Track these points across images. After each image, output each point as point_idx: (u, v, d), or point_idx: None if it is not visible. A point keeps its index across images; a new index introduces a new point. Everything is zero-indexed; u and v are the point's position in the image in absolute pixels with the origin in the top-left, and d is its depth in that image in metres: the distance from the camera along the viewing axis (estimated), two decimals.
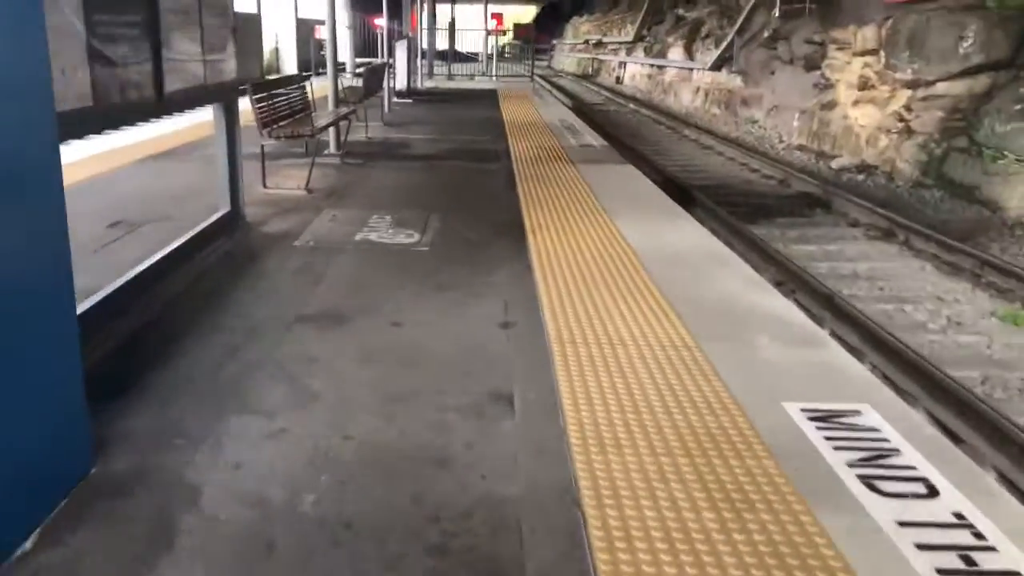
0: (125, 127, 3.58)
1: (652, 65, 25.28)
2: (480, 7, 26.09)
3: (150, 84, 3.78)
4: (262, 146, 6.50)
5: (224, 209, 5.15)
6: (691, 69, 21.38)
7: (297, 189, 6.56)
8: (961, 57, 9.50)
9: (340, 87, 8.91)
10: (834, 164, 11.48)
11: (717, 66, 18.92)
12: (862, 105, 11.73)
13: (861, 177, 10.70)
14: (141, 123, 3.76)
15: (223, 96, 4.93)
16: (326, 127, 7.04)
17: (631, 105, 21.07)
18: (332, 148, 8.52)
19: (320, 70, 20.67)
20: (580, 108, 18.97)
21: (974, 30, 9.34)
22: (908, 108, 10.35)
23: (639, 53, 27.49)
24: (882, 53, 11.28)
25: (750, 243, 7.05)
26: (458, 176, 7.62)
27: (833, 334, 4.85)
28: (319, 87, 12.53)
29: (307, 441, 2.50)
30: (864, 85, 11.79)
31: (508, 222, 5.73)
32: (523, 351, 3.31)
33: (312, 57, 23.72)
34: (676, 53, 22.88)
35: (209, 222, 4.92)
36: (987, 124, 8.82)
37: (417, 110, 14.04)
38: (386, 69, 12.97)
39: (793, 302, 4.18)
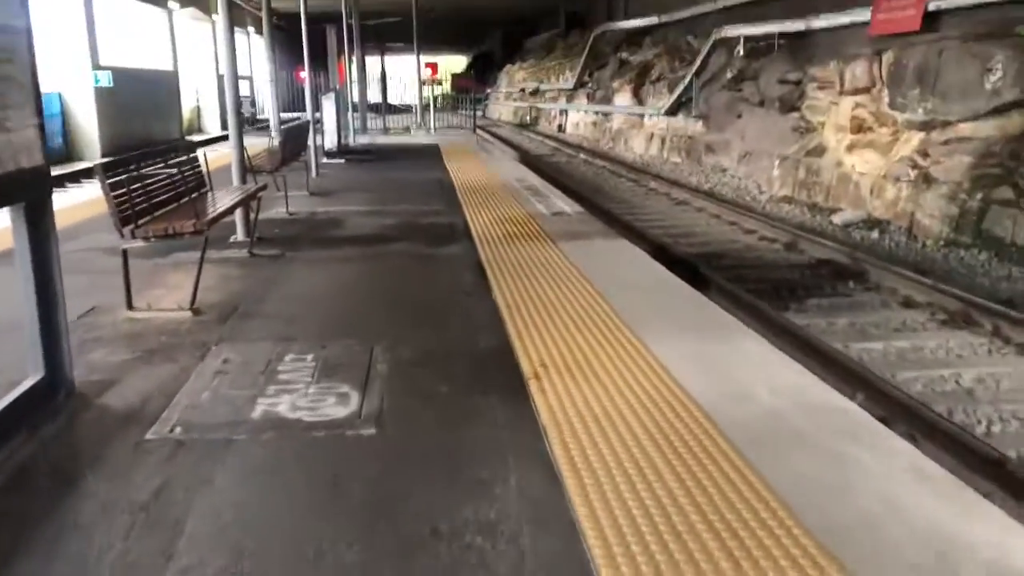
0: None
1: (597, 112, 23.98)
2: (411, 57, 24.50)
3: None
4: (124, 251, 4.49)
5: (34, 376, 3.13)
6: (642, 115, 20.06)
7: (178, 309, 4.55)
8: (989, 93, 8.11)
9: (247, 154, 6.95)
10: (837, 219, 9.97)
11: (673, 111, 17.58)
12: (859, 150, 10.31)
13: (875, 235, 9.18)
14: None
15: (17, 194, 2.96)
16: (222, 215, 5.07)
17: (581, 155, 19.58)
18: (240, 234, 6.54)
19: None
20: (530, 161, 17.34)
21: (1002, 61, 7.97)
22: (923, 153, 8.91)
23: (581, 100, 26.22)
24: (881, 91, 9.90)
25: (804, 345, 5.30)
26: (408, 270, 5.71)
27: None
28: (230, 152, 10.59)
29: None
30: (859, 127, 10.38)
31: (491, 353, 3.84)
32: None
33: (231, 114, 21.51)
34: (623, 99, 21.59)
35: (2, 403, 2.93)
36: None
37: (350, 172, 12.14)
38: (311, 127, 11.07)
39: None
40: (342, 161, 13.27)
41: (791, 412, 3.09)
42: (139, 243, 4.52)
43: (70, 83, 21.48)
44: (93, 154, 21.73)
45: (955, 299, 6.16)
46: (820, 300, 6.69)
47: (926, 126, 8.94)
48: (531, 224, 7.30)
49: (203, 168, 5.94)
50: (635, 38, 24.06)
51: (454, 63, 65.70)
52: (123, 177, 4.47)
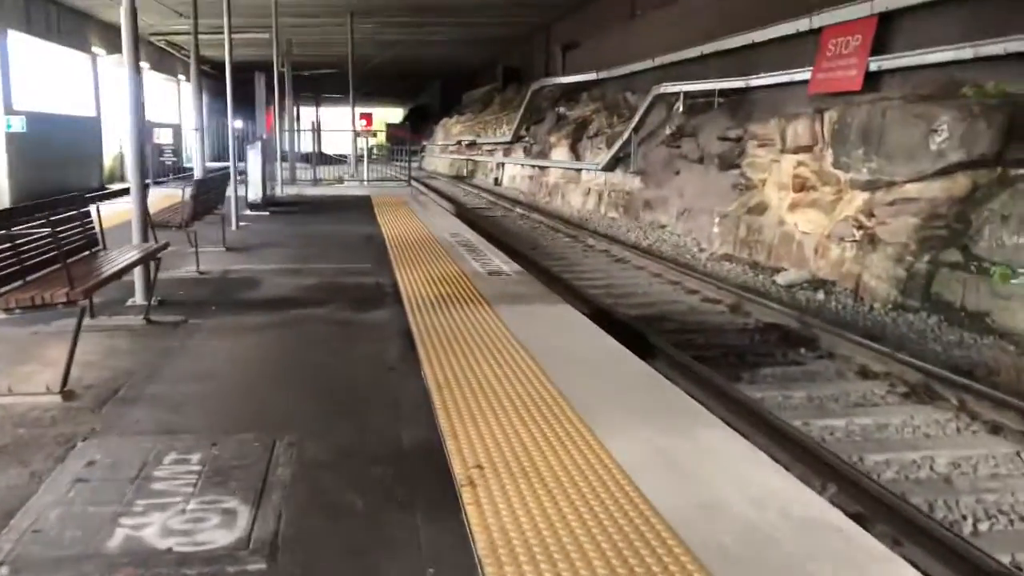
0: None
1: (534, 166, 23.82)
2: (347, 108, 24.02)
3: None
4: None
5: None
6: (579, 170, 19.92)
7: (46, 392, 3.82)
8: (935, 154, 8.00)
9: (148, 209, 6.26)
10: (780, 279, 9.72)
11: (611, 166, 17.44)
12: (802, 209, 10.15)
13: (821, 296, 8.93)
14: None
15: None
16: (104, 281, 4.37)
17: (517, 209, 19.26)
18: (139, 297, 5.81)
19: (159, 179, 17.71)
20: (465, 215, 16.90)
21: (947, 123, 7.88)
22: (868, 213, 8.75)
23: (518, 154, 26.09)
24: (824, 150, 9.79)
25: (763, 424, 4.84)
26: (327, 340, 5.07)
27: None
28: (155, 200, 9.93)
29: None
30: (802, 186, 10.25)
31: (418, 450, 3.25)
32: None
33: (151, 164, 20.50)
34: (561, 153, 21.47)
35: None
36: (988, 234, 7.22)
37: (274, 226, 11.44)
38: (233, 178, 10.39)
39: None
40: (266, 213, 12.55)
41: (775, 529, 2.57)
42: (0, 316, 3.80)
43: None
44: (1, 202, 20.45)
45: (914, 369, 5.83)
46: (773, 369, 6.29)
47: (871, 186, 8.80)
48: (466, 285, 6.76)
49: (95, 224, 5.25)
50: (573, 93, 24.12)
51: (391, 115, 65.63)
52: None
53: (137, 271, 5.75)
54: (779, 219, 10.67)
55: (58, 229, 4.46)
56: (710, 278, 9.83)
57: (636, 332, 7.06)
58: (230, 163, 12.81)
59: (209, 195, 7.87)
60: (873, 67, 9.66)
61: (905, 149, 8.33)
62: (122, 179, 29.81)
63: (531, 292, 6.58)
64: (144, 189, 5.87)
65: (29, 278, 4.13)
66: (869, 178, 8.85)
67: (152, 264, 5.64)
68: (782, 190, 10.79)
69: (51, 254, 4.37)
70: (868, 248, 8.68)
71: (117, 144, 30.01)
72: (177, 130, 31.38)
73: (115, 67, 29.67)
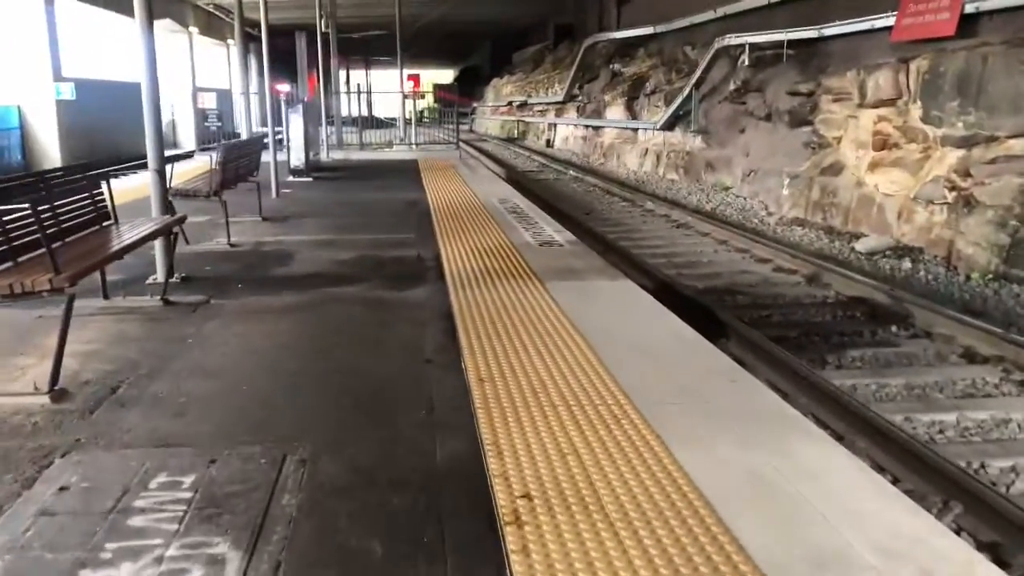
0: None
1: (588, 126, 22.92)
2: (401, 71, 23.38)
3: None
4: None
5: None
6: (635, 129, 19.01)
7: (33, 392, 3.36)
8: None
9: (169, 178, 5.78)
10: (860, 246, 8.86)
11: (670, 125, 16.52)
12: (884, 169, 9.23)
13: (907, 266, 8.06)
14: None
15: None
16: (95, 266, 3.87)
17: (571, 172, 18.47)
18: (160, 274, 5.35)
19: (205, 146, 17.41)
20: (516, 179, 16.22)
21: None
22: (964, 172, 7.82)
23: (571, 113, 25.18)
24: (910, 103, 8.82)
25: (855, 419, 4.15)
26: (358, 324, 4.52)
27: None
28: (192, 168, 9.57)
29: None
30: (883, 144, 9.30)
31: (454, 470, 2.68)
32: None
33: (195, 130, 20.25)
34: (616, 112, 20.54)
35: None
36: None
37: (315, 192, 10.96)
38: (272, 143, 9.91)
39: None
40: (309, 180, 12.09)
41: None
42: None
43: (30, 95, 20.27)
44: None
45: None
46: (862, 352, 5.54)
47: (967, 142, 7.85)
48: (515, 258, 6.15)
49: (105, 197, 4.77)
50: (628, 49, 23.06)
51: (442, 76, 64.91)
52: None
53: (157, 246, 5.30)
54: (857, 180, 9.75)
55: (54, 205, 3.97)
56: (782, 245, 9.02)
57: (703, 308, 6.37)
58: (285, 128, 12.44)
59: (240, 161, 7.37)
60: (970, 8, 8.61)
61: (1010, 100, 7.36)
62: (174, 145, 29.88)
63: (586, 265, 5.93)
64: (163, 157, 5.37)
65: (21, 259, 3.66)
66: (965, 133, 7.89)
67: (172, 238, 5.16)
68: (860, 148, 9.84)
69: (48, 232, 3.90)
70: (963, 211, 7.78)
71: (168, 111, 30.02)
72: (225, 95, 31.15)
73: (163, 32, 29.59)
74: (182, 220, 5.16)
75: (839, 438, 4.13)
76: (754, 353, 5.37)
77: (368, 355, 3.96)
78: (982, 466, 3.78)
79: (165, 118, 30.16)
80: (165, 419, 3.14)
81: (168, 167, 7.20)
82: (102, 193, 4.79)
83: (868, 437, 3.96)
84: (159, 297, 4.89)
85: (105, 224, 4.78)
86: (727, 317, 6.02)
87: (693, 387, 3.42)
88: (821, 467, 2.68)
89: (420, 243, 6.90)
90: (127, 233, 4.51)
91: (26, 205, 3.49)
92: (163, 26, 29.02)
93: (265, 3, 10.31)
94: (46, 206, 3.90)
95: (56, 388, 3.35)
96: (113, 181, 5.26)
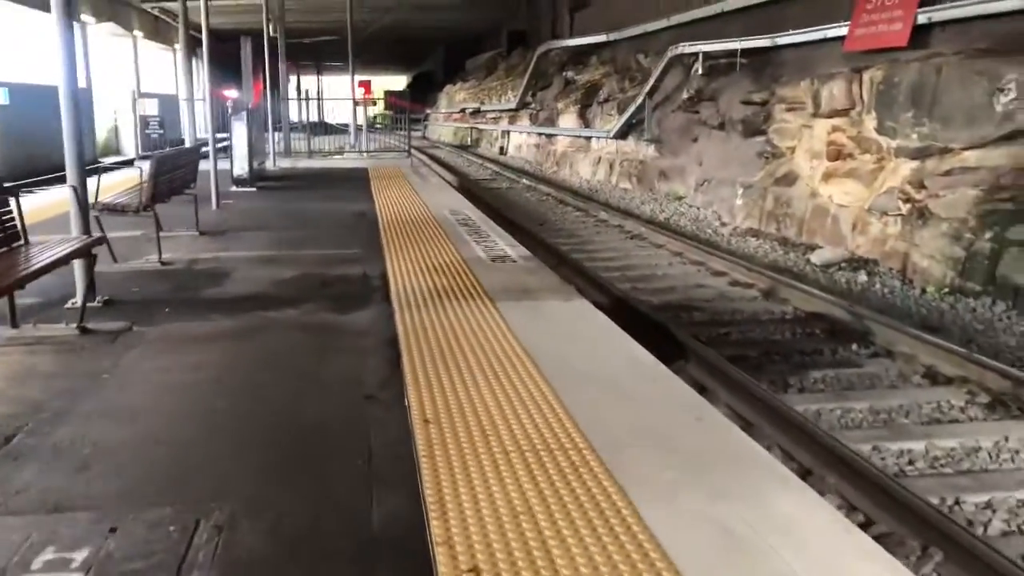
0: None
1: (541, 134, 22.75)
2: (352, 77, 22.89)
3: None
4: None
5: None
6: (589, 138, 18.87)
7: None
8: (1000, 117, 7.00)
9: (93, 193, 5.35)
10: (815, 258, 8.78)
11: (623, 133, 16.41)
12: (838, 180, 9.17)
13: (863, 278, 7.98)
14: None
15: None
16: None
17: (524, 180, 18.25)
18: (79, 298, 4.92)
19: (145, 154, 16.73)
20: (468, 188, 15.95)
21: (1016, 81, 6.86)
22: (918, 184, 7.77)
23: (524, 121, 25.00)
24: (863, 113, 8.77)
25: (822, 451, 3.94)
26: (294, 355, 4.18)
27: None
28: (128, 179, 9.12)
29: None
30: (837, 154, 9.25)
31: (393, 534, 2.35)
32: None
33: (137, 138, 19.50)
34: (569, 120, 20.40)
35: None
36: None
37: (259, 203, 10.52)
38: (212, 152, 9.46)
39: None
40: (253, 190, 11.63)
41: None
42: None
43: None
44: None
45: (997, 373, 4.91)
46: (824, 372, 5.38)
47: (921, 153, 7.80)
48: (465, 275, 5.86)
49: (14, 214, 4.35)
50: (581, 57, 22.97)
51: (395, 83, 64.36)
52: None
53: (77, 268, 4.88)
54: (811, 191, 9.70)
55: None
56: (737, 257, 8.89)
57: (659, 325, 6.15)
58: (233, 135, 11.93)
59: (175, 173, 6.94)
60: (922, 19, 8.60)
61: (964, 111, 7.32)
62: (117, 152, 28.89)
63: (540, 283, 5.66)
64: (83, 170, 4.94)
65: None
66: (919, 145, 7.85)
67: (91, 259, 4.74)
68: (814, 158, 9.79)
69: None
70: (917, 224, 7.72)
71: (112, 116, 29.02)
72: (172, 101, 30.28)
73: (107, 36, 28.62)
74: (100, 241, 4.76)
75: (806, 472, 3.94)
76: (713, 376, 5.17)
77: (304, 391, 3.63)
78: (956, 502, 3.60)
79: (107, 124, 29.21)
80: (63, 475, 2.77)
81: (95, 178, 6.76)
82: (10, 211, 4.36)
83: (837, 472, 3.76)
84: (75, 325, 4.47)
85: (14, 245, 4.36)
86: (684, 336, 5.81)
87: (655, 426, 3.17)
88: (797, 519, 2.44)
89: (366, 259, 6.56)
90: (36, 256, 4.10)
91: None
92: (107, 30, 28.12)
93: (206, 7, 9.83)
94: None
95: None
96: (41, 192, 4.84)
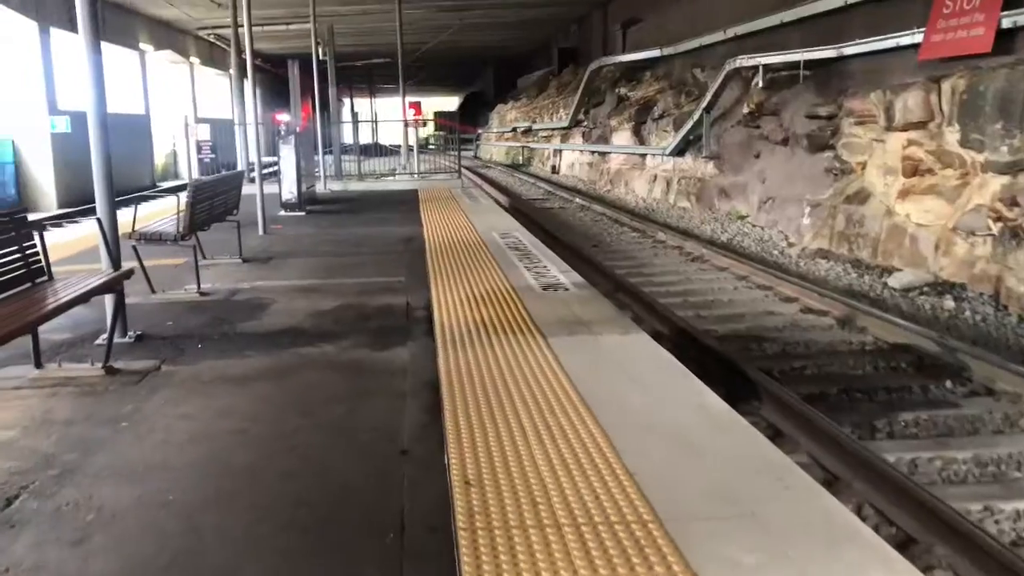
0: None
1: (594, 152, 22.33)
2: (403, 98, 22.86)
3: None
4: None
5: None
6: (644, 155, 18.38)
7: None
8: None
9: (125, 222, 5.12)
10: (894, 282, 8.14)
11: (680, 150, 15.88)
12: (916, 197, 8.53)
13: (950, 304, 7.33)
14: None
15: None
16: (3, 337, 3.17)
17: (577, 199, 17.82)
18: (108, 334, 4.66)
19: (198, 178, 16.84)
20: (519, 208, 15.59)
21: None
22: (1011, 202, 7.11)
23: (577, 139, 24.62)
24: (947, 126, 8.13)
25: (927, 514, 3.41)
26: (326, 402, 3.80)
27: None
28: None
29: None
30: (914, 170, 8.61)
31: None
32: None
33: (189, 162, 19.69)
34: (623, 137, 19.94)
35: None
36: None
37: (306, 228, 10.33)
38: (259, 177, 9.31)
39: None
40: (301, 214, 11.47)
41: None
42: None
43: (24, 129, 19.81)
44: (49, 204, 20.01)
45: None
46: (915, 414, 4.80)
47: (1013, 168, 7.15)
48: (515, 306, 5.46)
49: (38, 249, 4.12)
50: (634, 73, 22.51)
51: (447, 103, 64.78)
52: None
53: (108, 302, 4.64)
54: (886, 209, 9.06)
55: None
56: (807, 281, 8.31)
57: (726, 361, 5.65)
58: (283, 159, 11.83)
59: (215, 200, 6.73)
60: (1007, 23, 7.94)
61: None
62: (175, 176, 29.45)
63: (596, 315, 5.23)
64: (112, 201, 4.71)
65: None
66: (1010, 158, 7.20)
67: (118, 295, 4.49)
68: (888, 174, 9.15)
69: None
70: (1011, 244, 7.06)
71: (170, 141, 29.63)
72: (225, 125, 30.76)
73: (166, 63, 29.29)
74: (128, 275, 4.50)
75: (908, 540, 3.41)
76: (788, 418, 4.65)
77: (333, 444, 3.26)
78: None
79: (166, 149, 29.82)
80: (59, 549, 2.45)
81: (132, 208, 6.60)
82: (34, 245, 4.14)
83: (947, 542, 3.22)
84: (101, 364, 4.21)
85: (37, 281, 4.12)
86: (755, 373, 5.29)
87: (732, 491, 2.71)
88: None
89: (411, 287, 6.22)
90: (57, 294, 3.85)
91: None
92: (165, 57, 28.75)
93: (250, 33, 9.74)
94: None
95: None
96: (86, 221, 4.62)
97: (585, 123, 24.13)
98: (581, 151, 23.86)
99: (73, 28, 4.53)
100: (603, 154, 21.50)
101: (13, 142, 19.92)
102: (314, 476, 2.96)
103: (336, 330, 5.04)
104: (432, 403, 3.65)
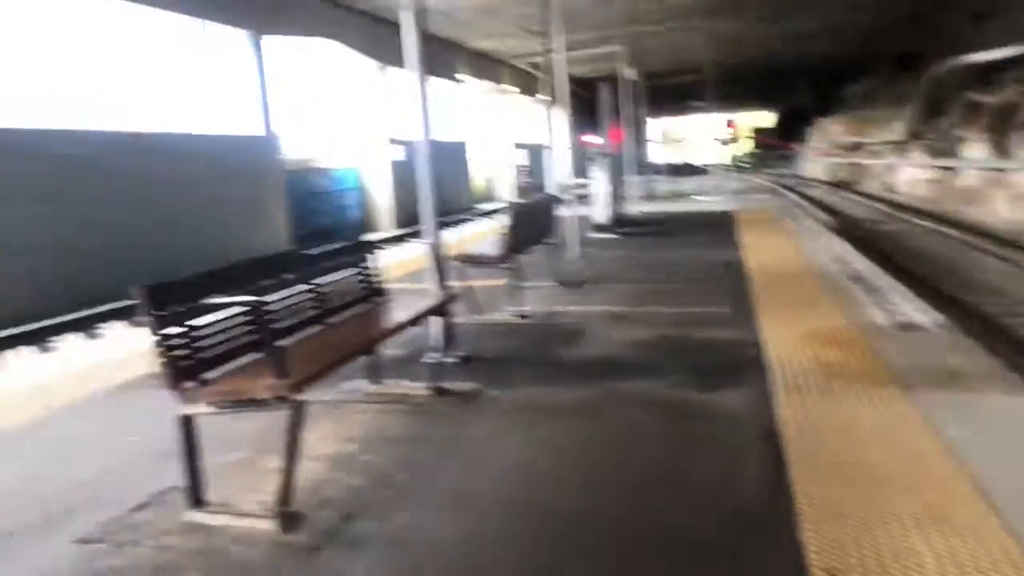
0: None
1: (938, 167, 19.69)
2: (711, 115, 22.23)
3: None
4: (184, 418, 2.86)
5: None
6: (1006, 170, 15.72)
7: (259, 515, 2.80)
8: None
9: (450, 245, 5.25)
10: None
11: None
12: None
13: None
14: None
15: None
16: (332, 366, 3.21)
17: (920, 221, 15.73)
18: (435, 355, 4.79)
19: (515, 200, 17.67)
20: (851, 232, 14.12)
21: None
22: None
23: (914, 153, 21.94)
24: None
25: None
26: (644, 446, 3.44)
27: None
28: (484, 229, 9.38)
29: None
30: None
31: None
32: None
33: (514, 185, 20.76)
34: (976, 150, 17.29)
35: None
36: None
37: (618, 251, 10.17)
38: (571, 197, 9.36)
39: None
40: (614, 236, 11.37)
41: None
42: (203, 409, 2.85)
43: (367, 158, 22.35)
44: (388, 224, 22.39)
45: None
46: None
47: None
48: (863, 350, 4.69)
49: (373, 269, 4.32)
50: (988, 75, 19.49)
51: (759, 118, 62.14)
52: (189, 304, 2.85)
53: (433, 324, 4.76)
54: None
55: (315, 285, 3.50)
56: None
57: None
58: (593, 181, 11.98)
59: (534, 224, 6.77)
60: None
61: None
62: (492, 198, 31.50)
63: (971, 366, 4.29)
64: (438, 228, 4.83)
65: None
66: None
67: (446, 316, 4.58)
68: None
69: (291, 322, 3.44)
70: None
71: (487, 166, 31.77)
72: (538, 149, 32.24)
73: (482, 93, 31.46)
74: (453, 298, 4.56)
75: None
76: None
77: (653, 498, 2.91)
78: None
79: (485, 173, 32.04)
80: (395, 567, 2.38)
81: (455, 229, 6.85)
82: (367, 264, 4.34)
83: None
84: (428, 385, 4.28)
85: (375, 300, 4.32)
86: None
87: None
88: None
89: (735, 320, 5.68)
90: (389, 316, 3.97)
91: (249, 301, 2.96)
92: (483, 87, 30.89)
93: (565, 59, 9.90)
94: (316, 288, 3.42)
95: (286, 510, 2.76)
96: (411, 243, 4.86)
97: (925, 135, 21.41)
98: (921, 167, 21.20)
99: (403, 64, 4.75)
100: (950, 170, 18.86)
101: (358, 170, 22.59)
102: (630, 541, 2.61)
103: (652, 363, 4.70)
104: (770, 460, 3.15)
